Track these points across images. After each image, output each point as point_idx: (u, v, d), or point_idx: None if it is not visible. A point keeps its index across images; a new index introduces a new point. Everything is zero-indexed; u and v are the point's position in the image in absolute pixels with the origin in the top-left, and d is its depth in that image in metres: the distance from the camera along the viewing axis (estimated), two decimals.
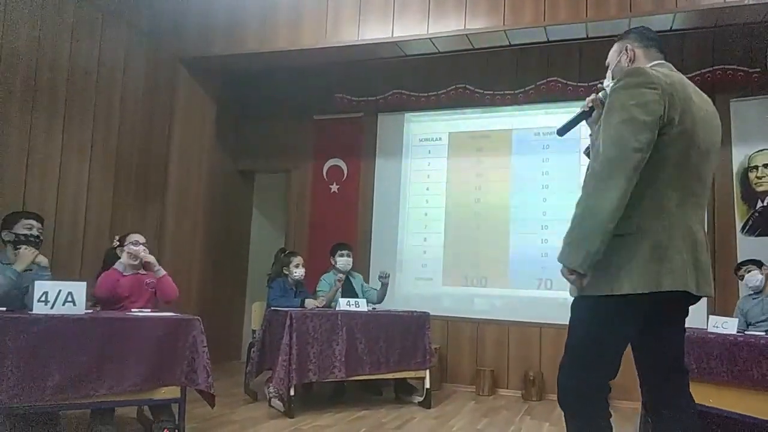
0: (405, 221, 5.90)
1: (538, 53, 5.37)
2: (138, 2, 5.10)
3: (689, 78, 4.96)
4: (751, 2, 3.99)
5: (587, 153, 2.02)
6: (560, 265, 1.78)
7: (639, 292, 1.72)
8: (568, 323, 1.85)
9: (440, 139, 5.81)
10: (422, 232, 5.81)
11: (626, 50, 2.04)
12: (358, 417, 4.07)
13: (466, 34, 4.45)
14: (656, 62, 1.99)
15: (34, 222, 3.27)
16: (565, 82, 5.31)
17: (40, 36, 4.21)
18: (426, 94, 5.76)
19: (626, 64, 2.02)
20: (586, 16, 4.31)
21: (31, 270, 3.21)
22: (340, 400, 4.56)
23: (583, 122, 2.08)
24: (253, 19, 5.02)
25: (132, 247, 3.64)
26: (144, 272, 3.73)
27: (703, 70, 4.92)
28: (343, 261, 4.93)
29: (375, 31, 4.66)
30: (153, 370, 3.01)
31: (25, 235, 3.21)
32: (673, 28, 4.57)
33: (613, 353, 1.81)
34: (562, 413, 1.86)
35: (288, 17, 4.90)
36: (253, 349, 4.49)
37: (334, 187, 6.17)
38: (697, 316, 4.67)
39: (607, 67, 2.12)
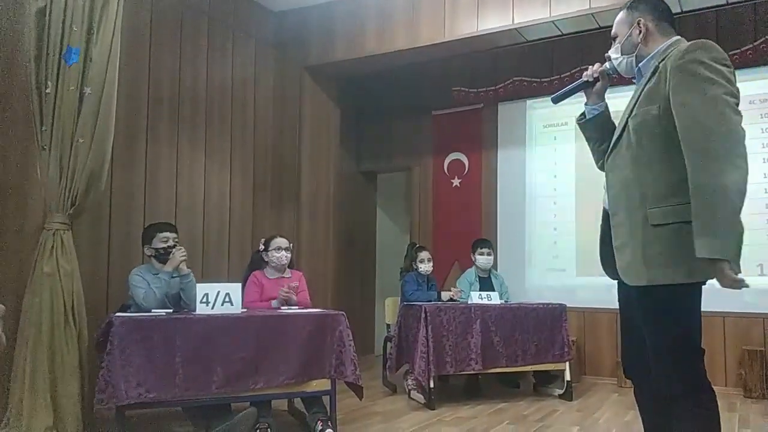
0: (532, 211, 5.77)
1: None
2: (264, 17, 5.40)
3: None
4: None
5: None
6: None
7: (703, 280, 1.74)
8: (643, 315, 1.80)
9: (567, 123, 5.59)
10: (552, 221, 5.66)
11: (638, 24, 1.92)
12: (498, 409, 4.06)
13: (592, 14, 4.27)
14: (674, 39, 1.90)
15: (168, 234, 3.47)
16: None
17: (180, 61, 4.58)
18: (548, 79, 5.60)
19: (638, 40, 1.92)
20: None
21: (177, 276, 3.45)
22: (477, 393, 4.56)
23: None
24: (371, 22, 5.14)
25: (275, 254, 3.83)
26: (288, 275, 3.91)
27: None
28: (483, 259, 4.90)
29: (494, 20, 4.59)
30: (305, 364, 3.18)
31: (163, 248, 3.43)
32: None
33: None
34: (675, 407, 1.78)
35: (405, 16, 4.96)
36: (390, 344, 4.61)
37: (456, 182, 6.16)
38: None
39: (614, 38, 2.00)
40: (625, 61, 1.97)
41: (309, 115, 5.62)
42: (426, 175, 6.38)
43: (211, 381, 2.94)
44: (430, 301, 4.46)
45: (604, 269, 2.02)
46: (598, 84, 2.02)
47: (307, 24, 5.44)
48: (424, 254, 4.81)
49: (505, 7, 4.58)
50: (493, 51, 5.46)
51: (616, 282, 1.98)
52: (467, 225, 5.97)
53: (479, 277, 4.93)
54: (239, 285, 3.30)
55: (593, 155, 2.13)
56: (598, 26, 4.61)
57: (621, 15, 2.01)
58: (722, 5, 4.61)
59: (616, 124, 2.00)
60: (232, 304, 3.19)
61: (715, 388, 1.78)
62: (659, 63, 1.84)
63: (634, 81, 2.03)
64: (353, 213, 6.56)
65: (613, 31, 2.03)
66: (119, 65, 3.30)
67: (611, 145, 1.94)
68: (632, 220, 1.80)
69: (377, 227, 7.05)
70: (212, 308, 3.15)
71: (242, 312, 3.20)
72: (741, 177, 1.61)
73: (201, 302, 3.15)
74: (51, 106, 3.06)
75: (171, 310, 3.25)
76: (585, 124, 2.09)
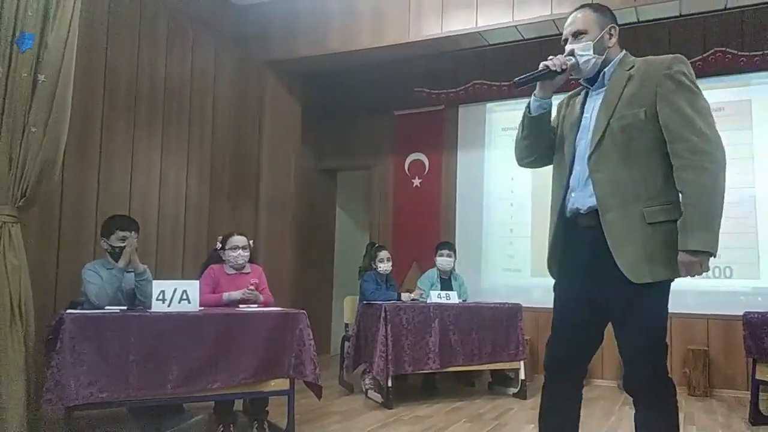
0: (489, 212, 5.87)
1: (624, 35, 5.18)
2: (225, 10, 5.31)
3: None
4: None
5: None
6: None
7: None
8: (632, 311, 1.85)
9: None
10: (508, 222, 5.76)
11: (610, 30, 2.00)
12: (455, 408, 4.11)
13: (553, 20, 4.36)
14: (624, 51, 2.03)
15: (127, 233, 3.34)
16: None
17: (138, 51, 4.46)
18: (508, 83, 5.69)
19: (610, 45, 2.00)
20: None
21: (131, 271, 3.35)
22: (434, 392, 4.60)
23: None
24: (335, 20, 5.12)
25: (231, 253, 3.72)
26: (248, 271, 3.83)
27: None
28: (443, 261, 4.94)
29: (458, 23, 4.64)
30: (263, 363, 3.14)
31: (120, 247, 3.31)
32: None
33: None
34: (647, 400, 1.87)
35: (370, 16, 4.96)
36: (347, 343, 4.60)
37: (417, 182, 6.21)
38: None
39: (580, 33, 1.99)
40: (593, 60, 1.98)
41: (270, 110, 5.56)
42: (386, 174, 6.40)
43: (166, 380, 2.87)
44: (390, 300, 4.47)
45: (551, 268, 2.08)
46: (559, 77, 1.98)
47: (269, 19, 5.37)
48: (384, 254, 4.82)
49: (469, 10, 4.62)
50: (456, 53, 5.51)
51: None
52: (426, 225, 6.03)
53: (441, 278, 4.98)
54: (197, 283, 3.22)
55: (522, 151, 2.13)
56: (559, 32, 4.69)
57: (590, 14, 2.01)
58: (675, 17, 4.76)
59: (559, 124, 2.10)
60: (189, 302, 3.11)
61: None
62: (627, 71, 1.93)
63: (583, 83, 2.07)
64: (313, 211, 6.52)
65: (579, 26, 2.00)
66: (75, 54, 3.18)
67: (592, 145, 1.91)
68: (628, 217, 1.84)
69: (336, 226, 7.02)
70: (169, 306, 3.07)
71: (200, 310, 3.14)
72: (725, 182, 1.80)
73: (157, 299, 3.06)
74: (1, 92, 2.93)
75: (125, 308, 3.16)
76: (536, 118, 2.04)
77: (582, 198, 1.94)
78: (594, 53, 1.98)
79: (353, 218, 7.20)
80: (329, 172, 6.90)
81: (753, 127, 4.94)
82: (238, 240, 3.77)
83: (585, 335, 2.01)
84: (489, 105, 5.94)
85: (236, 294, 3.62)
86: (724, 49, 4.88)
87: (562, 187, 2.01)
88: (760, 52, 4.77)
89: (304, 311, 3.31)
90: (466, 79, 5.88)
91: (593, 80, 2.03)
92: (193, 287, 3.16)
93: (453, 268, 5.04)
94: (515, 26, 4.53)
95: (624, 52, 2.02)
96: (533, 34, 4.81)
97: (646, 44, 5.10)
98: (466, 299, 4.96)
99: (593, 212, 1.90)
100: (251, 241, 3.85)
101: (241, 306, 3.56)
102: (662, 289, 1.85)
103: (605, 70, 2.00)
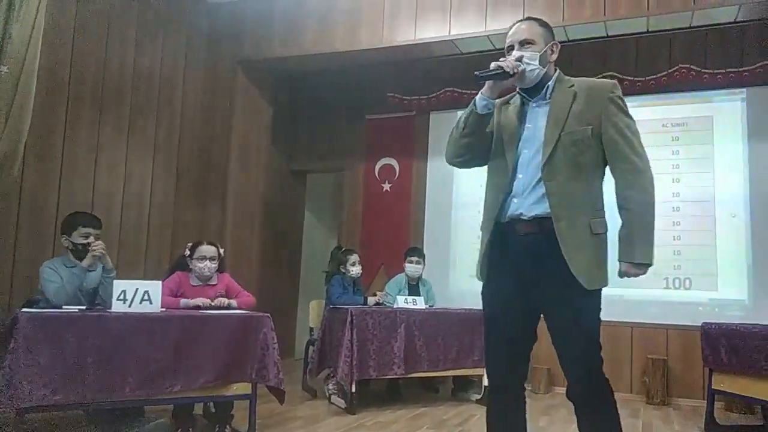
0: (458, 218, 5.91)
1: (594, 49, 5.29)
2: (197, 7, 5.24)
3: (749, 71, 4.92)
4: None
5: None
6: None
7: None
8: (577, 315, 1.94)
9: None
10: (475, 228, 5.76)
11: (552, 47, 2.08)
12: (418, 414, 4.11)
13: None
14: (559, 71, 2.12)
15: (91, 230, 3.25)
16: (621, 76, 5.21)
17: (107, 43, 4.37)
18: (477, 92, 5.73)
19: (552, 60, 2.07)
20: (648, 9, 4.23)
21: (93, 270, 3.27)
22: (397, 398, 4.60)
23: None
24: (310, 21, 5.10)
25: (198, 264, 3.55)
26: (214, 282, 3.67)
27: (764, 62, 4.77)
28: (412, 268, 4.92)
29: (432, 30, 4.68)
30: (226, 367, 3.09)
31: (82, 244, 3.21)
32: (737, 20, 4.46)
33: None
34: (591, 402, 1.95)
35: (345, 19, 4.96)
36: (312, 347, 4.57)
37: (386, 186, 6.21)
38: (762, 311, 4.59)
39: (528, 42, 2.04)
40: (537, 71, 2.03)
41: (240, 110, 5.51)
42: (357, 177, 6.38)
43: (125, 383, 2.81)
44: (356, 304, 4.46)
45: (481, 272, 2.10)
46: (509, 80, 2.01)
47: (243, 17, 5.33)
48: (354, 257, 4.80)
49: (443, 18, 4.66)
50: (428, 61, 5.54)
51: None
52: (395, 229, 6.03)
53: (408, 283, 4.98)
54: (159, 283, 3.15)
55: (459, 149, 2.12)
56: None
57: (537, 27, 2.08)
58: (643, 32, 4.88)
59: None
60: (151, 303, 3.05)
61: (619, 395, 1.95)
62: (570, 88, 2.03)
63: (521, 93, 2.10)
64: (281, 213, 6.46)
65: (526, 36, 2.04)
66: (40, 45, 3.11)
67: (545, 156, 1.97)
68: (578, 227, 1.94)
69: (305, 228, 6.97)
70: (129, 306, 3.00)
71: (161, 311, 3.08)
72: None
73: (118, 299, 2.99)
74: None
75: (84, 307, 3.08)
76: (482, 116, 2.04)
77: (525, 205, 2.00)
78: (539, 64, 2.03)
79: (322, 221, 7.16)
80: (299, 174, 6.85)
81: (714, 143, 5.07)
82: (207, 250, 3.57)
83: (522, 340, 2.07)
84: (460, 113, 5.84)
85: (194, 301, 3.45)
86: (688, 65, 5.01)
87: (501, 193, 2.04)
88: (723, 70, 4.91)
89: (268, 314, 3.27)
90: (438, 87, 5.90)
91: (531, 91, 2.08)
92: (155, 288, 3.10)
93: (421, 275, 5.05)
94: (487, 36, 4.58)
95: (559, 70, 2.11)
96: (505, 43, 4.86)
97: (615, 57, 5.22)
98: (433, 305, 4.98)
99: (537, 219, 1.97)
100: (221, 250, 3.69)
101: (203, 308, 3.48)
102: (599, 294, 1.98)
103: (548, 83, 2.06)
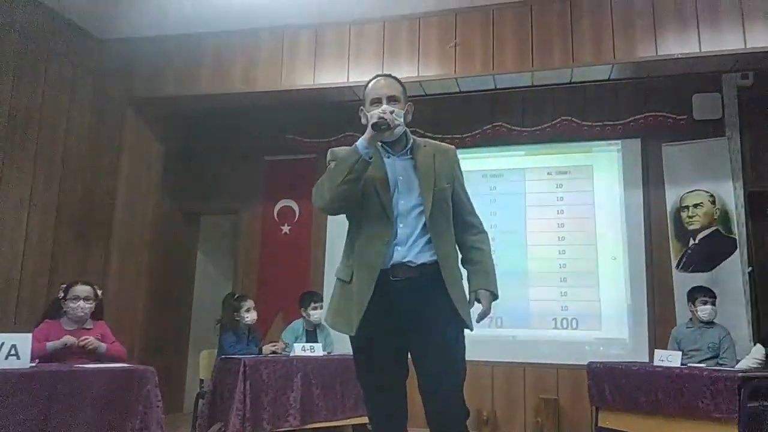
0: None
1: (484, 100, 5.56)
2: (86, 42, 5.00)
3: (623, 124, 5.35)
4: (679, 56, 4.32)
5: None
6: (490, 303, 2.20)
7: None
8: (449, 349, 2.09)
9: None
10: None
11: (409, 108, 2.24)
12: None
13: (419, 81, 4.58)
14: None
15: None
16: (509, 126, 5.49)
17: None
18: None
19: (408, 120, 2.22)
20: (532, 65, 4.52)
21: None
22: None
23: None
24: (206, 61, 5.01)
25: (71, 304, 3.37)
26: (90, 327, 3.45)
27: (636, 117, 5.21)
28: (317, 314, 4.77)
29: (330, 76, 4.74)
30: (102, 426, 2.83)
31: None
32: (610, 78, 4.87)
33: None
34: None
35: (243, 60, 4.92)
36: (202, 401, 4.32)
37: (286, 229, 6.10)
38: (640, 350, 4.89)
39: (395, 99, 2.17)
40: (401, 127, 2.16)
41: (129, 150, 5.25)
42: (254, 220, 6.22)
43: None
44: (251, 354, 4.28)
45: (350, 321, 2.08)
46: (386, 133, 2.09)
47: (134, 55, 5.14)
48: (248, 303, 4.63)
49: (341, 65, 4.74)
50: (329, 104, 5.58)
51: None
52: (294, 273, 5.90)
53: (306, 330, 4.85)
54: (29, 336, 2.87)
55: (339, 194, 2.11)
56: (424, 93, 4.95)
57: (399, 86, 2.23)
58: (528, 86, 5.20)
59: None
60: (18, 358, 2.76)
61: None
62: (425, 147, 2.23)
63: (385, 146, 2.17)
64: (171, 257, 6.14)
65: (395, 92, 2.19)
66: None
67: (427, 210, 2.11)
68: (456, 273, 2.16)
69: (197, 273, 6.67)
70: None
71: (30, 367, 2.79)
72: None
73: None
74: None
75: None
76: (368, 164, 2.08)
77: (413, 253, 2.10)
78: (403, 121, 2.17)
79: (216, 265, 6.89)
80: (192, 216, 6.57)
81: (594, 190, 5.42)
82: (81, 290, 3.40)
83: (402, 384, 2.17)
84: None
85: (61, 340, 3.22)
86: (570, 117, 5.36)
87: (380, 241, 2.09)
88: (600, 123, 5.30)
89: (152, 368, 3.06)
90: (338, 130, 5.93)
91: (393, 145, 2.20)
92: (23, 341, 2.80)
93: (320, 320, 4.95)
94: None
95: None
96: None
97: (504, 109, 5.51)
98: (332, 351, 4.88)
99: (423, 265, 2.10)
100: (100, 291, 3.49)
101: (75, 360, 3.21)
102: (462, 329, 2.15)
103: (409, 140, 2.21)
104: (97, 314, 3.50)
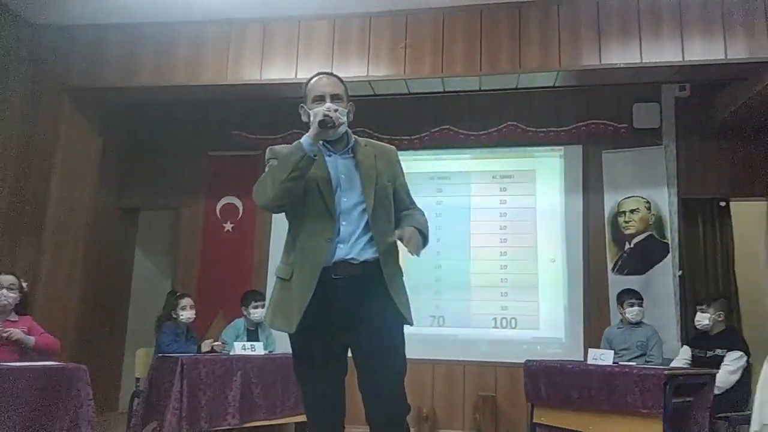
0: None
1: (433, 102, 5.61)
2: (19, 28, 4.77)
3: (566, 131, 5.52)
4: (621, 65, 4.48)
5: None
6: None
7: None
8: (391, 344, 2.12)
9: None
10: None
11: (351, 109, 2.26)
12: None
13: (369, 80, 4.58)
14: None
15: None
16: (456, 130, 5.56)
17: None
18: None
19: (349, 119, 2.23)
20: (480, 69, 4.60)
21: None
22: None
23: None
24: (148, 52, 4.86)
25: None
26: (15, 319, 3.32)
27: (578, 124, 5.38)
28: (258, 313, 4.70)
29: (278, 72, 4.67)
30: (29, 425, 2.72)
31: None
32: (555, 85, 5.00)
33: None
34: None
35: (187, 52, 4.80)
36: (137, 400, 4.19)
37: (228, 226, 5.98)
38: (575, 349, 5.05)
39: (338, 98, 2.18)
40: (343, 126, 2.17)
41: (64, 141, 5.04)
42: (196, 216, 6.07)
43: None
44: (189, 352, 4.18)
45: (290, 317, 2.06)
46: (330, 131, 2.08)
47: (72, 42, 4.94)
48: (186, 301, 4.52)
49: (289, 61, 4.69)
50: (275, 101, 5.50)
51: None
52: (236, 272, 5.80)
53: (247, 329, 4.77)
54: None
55: (283, 191, 2.05)
56: (373, 92, 4.96)
57: (341, 85, 2.24)
58: (476, 90, 5.28)
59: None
60: None
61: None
62: (365, 147, 2.24)
63: (326, 144, 2.17)
64: (108, 252, 5.91)
65: (338, 91, 2.20)
66: None
67: (370, 208, 2.13)
68: (395, 269, 2.17)
69: (135, 270, 6.45)
70: None
71: None
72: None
73: None
74: None
75: None
76: (313, 162, 2.06)
77: (355, 250, 2.11)
78: (346, 120, 2.18)
79: (155, 262, 6.69)
80: (130, 211, 6.36)
81: (537, 194, 5.56)
82: (4, 279, 3.30)
83: (341, 382, 2.17)
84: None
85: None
86: (515, 123, 5.48)
87: (323, 239, 2.09)
88: (544, 129, 5.44)
89: (84, 366, 2.95)
90: (285, 127, 5.86)
91: (335, 144, 2.20)
92: None
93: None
94: None
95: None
96: (350, 92, 4.99)
97: (451, 112, 5.58)
98: (273, 350, 4.81)
99: (366, 263, 2.11)
100: (25, 284, 3.34)
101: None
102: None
103: (351, 139, 2.22)
104: (22, 308, 3.39)
